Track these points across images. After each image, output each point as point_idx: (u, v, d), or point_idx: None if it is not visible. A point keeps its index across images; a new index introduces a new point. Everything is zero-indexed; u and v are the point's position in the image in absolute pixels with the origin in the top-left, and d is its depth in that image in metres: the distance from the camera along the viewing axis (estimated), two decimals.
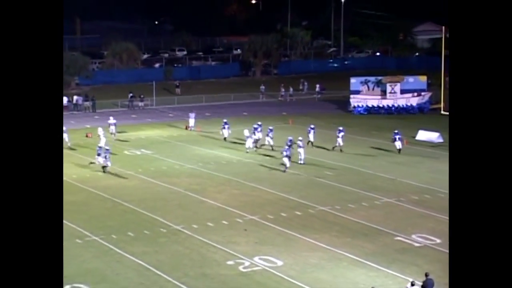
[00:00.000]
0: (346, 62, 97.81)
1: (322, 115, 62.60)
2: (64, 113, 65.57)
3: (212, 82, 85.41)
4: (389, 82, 65.50)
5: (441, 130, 52.22)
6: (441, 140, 50.84)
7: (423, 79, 66.32)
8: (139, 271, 27.86)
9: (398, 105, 64.50)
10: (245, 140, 48.90)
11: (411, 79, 66.40)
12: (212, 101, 71.14)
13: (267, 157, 46.94)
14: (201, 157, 47.23)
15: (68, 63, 78.61)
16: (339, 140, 48.08)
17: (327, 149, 48.70)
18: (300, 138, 46.24)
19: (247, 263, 28.39)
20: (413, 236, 31.44)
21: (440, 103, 55.65)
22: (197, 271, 27.70)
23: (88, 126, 57.36)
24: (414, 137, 52.05)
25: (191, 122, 57.29)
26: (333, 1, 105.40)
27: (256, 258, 28.88)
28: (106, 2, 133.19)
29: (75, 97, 68.11)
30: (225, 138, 51.86)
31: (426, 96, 65.22)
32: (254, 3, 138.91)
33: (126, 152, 49.44)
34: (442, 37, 60.51)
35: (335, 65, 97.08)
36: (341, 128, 48.48)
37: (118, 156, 47.66)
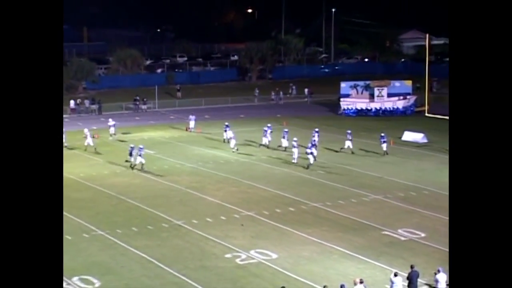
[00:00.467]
0: (336, 68, 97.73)
1: (315, 117, 62.56)
2: (72, 115, 65.72)
3: (211, 86, 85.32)
4: (377, 86, 65.54)
5: (426, 131, 52.30)
6: (425, 141, 50.88)
7: (409, 83, 66.40)
8: (142, 264, 27.84)
9: (385, 108, 64.51)
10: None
11: (397, 83, 66.43)
12: (211, 104, 71.08)
13: (264, 157, 46.91)
14: (201, 157, 47.19)
15: (76, 69, 78.74)
16: (347, 142, 47.36)
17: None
18: (295, 138, 46.22)
19: (243, 256, 28.38)
20: (399, 231, 31.44)
21: (425, 106, 55.54)
22: (196, 264, 27.69)
23: (95, 127, 57.27)
24: (400, 137, 52.06)
25: (191, 124, 57.24)
26: (324, 10, 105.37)
27: (252, 252, 28.87)
28: (111, 11, 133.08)
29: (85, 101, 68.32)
30: (225, 140, 51.56)
31: (411, 99, 65.26)
32: (250, 12, 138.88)
33: None
34: (426, 44, 60.50)
35: (326, 70, 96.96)
36: (349, 131, 48.09)
37: (122, 156, 47.62)
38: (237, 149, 48.26)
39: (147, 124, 61.10)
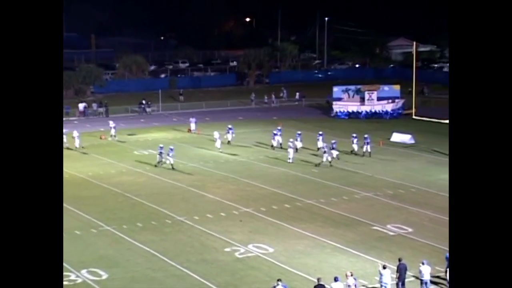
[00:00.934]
0: (329, 73, 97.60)
1: (309, 120, 62.53)
2: (81, 117, 65.68)
3: (211, 90, 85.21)
4: (367, 90, 65.54)
5: (413, 132, 52.28)
6: (413, 142, 50.86)
7: (397, 88, 66.37)
8: (147, 257, 27.83)
9: (375, 111, 64.48)
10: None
11: (386, 87, 66.41)
12: (211, 107, 71.00)
13: (261, 157, 46.88)
14: (202, 157, 47.15)
15: (84, 74, 78.74)
16: (354, 146, 46.91)
17: (314, 150, 48.60)
18: (290, 139, 46.24)
19: (242, 250, 28.38)
20: (388, 226, 31.45)
21: (412, 108, 55.61)
22: (198, 257, 27.69)
23: (102, 129, 57.20)
24: (389, 138, 52.02)
25: (192, 126, 57.17)
26: (318, 19, 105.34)
27: (250, 246, 28.87)
28: (118, 20, 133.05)
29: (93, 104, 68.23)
30: (228, 142, 51.21)
31: (400, 102, 65.24)
32: (249, 21, 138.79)
33: (135, 152, 49.34)
34: (413, 51, 60.55)
35: (320, 75, 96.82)
36: (354, 135, 47.60)
37: (128, 156, 47.64)
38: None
39: (151, 126, 61.02)
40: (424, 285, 23.60)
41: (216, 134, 49.72)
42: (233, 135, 51.72)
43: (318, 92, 76.01)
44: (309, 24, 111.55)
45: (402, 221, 32.20)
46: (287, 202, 35.72)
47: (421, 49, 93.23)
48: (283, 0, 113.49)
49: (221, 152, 48.01)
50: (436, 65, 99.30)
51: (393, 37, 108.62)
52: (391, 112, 64.30)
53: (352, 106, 64.93)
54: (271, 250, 28.38)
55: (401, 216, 33.12)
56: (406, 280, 24.07)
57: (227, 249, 28.53)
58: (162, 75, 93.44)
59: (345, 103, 65.39)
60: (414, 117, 53.47)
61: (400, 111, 64.47)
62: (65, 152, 48.43)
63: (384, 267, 23.73)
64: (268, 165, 44.45)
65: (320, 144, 47.07)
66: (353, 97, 65.97)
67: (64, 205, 35.10)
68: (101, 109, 67.79)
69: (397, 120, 61.94)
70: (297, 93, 76.06)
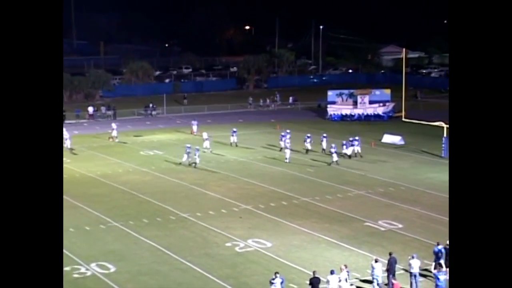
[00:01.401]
0: (324, 78, 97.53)
1: (305, 122, 62.48)
2: (90, 120, 65.64)
3: (213, 94, 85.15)
4: (360, 94, 65.58)
5: (403, 134, 52.25)
6: (403, 143, 50.84)
7: (388, 92, 66.39)
8: (152, 252, 27.81)
9: (367, 113, 64.50)
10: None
11: (377, 92, 66.44)
12: (212, 110, 70.93)
13: (260, 157, 46.84)
14: (204, 157, 47.03)
15: (93, 79, 78.79)
16: (357, 148, 46.49)
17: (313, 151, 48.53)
18: (287, 141, 46.19)
19: (242, 245, 28.36)
20: (380, 222, 31.44)
21: (402, 111, 55.48)
22: (200, 252, 27.67)
23: (110, 131, 57.15)
24: (380, 140, 51.99)
25: (194, 128, 56.99)
26: (313, 27, 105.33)
27: (249, 241, 28.85)
28: (125, 28, 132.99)
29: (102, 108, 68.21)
30: (234, 144, 50.57)
31: (390, 106, 65.19)
32: (248, 29, 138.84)
33: (141, 152, 49.29)
34: (403, 57, 60.48)
35: (315, 80, 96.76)
36: (356, 138, 47.13)
37: (134, 156, 47.59)
38: (210, 151, 48.00)
39: (156, 128, 60.96)
40: (413, 278, 23.60)
41: (205, 135, 49.58)
42: (237, 137, 51.46)
43: (314, 96, 75.95)
44: (305, 32, 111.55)
45: (393, 217, 32.20)
46: (284, 199, 35.69)
47: (410, 55, 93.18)
48: (280, 10, 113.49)
49: (212, 152, 47.68)
50: (424, 71, 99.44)
51: (384, 44, 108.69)
52: (382, 114, 64.31)
53: (346, 109, 64.96)
54: (269, 244, 28.36)
55: (392, 212, 33.10)
56: (397, 273, 24.07)
57: (228, 244, 28.52)
58: (167, 80, 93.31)
59: (339, 106, 65.44)
60: (403, 119, 53.38)
61: (390, 114, 64.46)
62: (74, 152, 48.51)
63: (376, 261, 23.72)
64: (267, 164, 44.41)
65: (324, 145, 46.97)
66: (346, 100, 66.09)
67: (74, 202, 35.15)
68: (109, 112, 67.73)
69: (388, 122, 61.87)
70: (290, 98, 76.40)
